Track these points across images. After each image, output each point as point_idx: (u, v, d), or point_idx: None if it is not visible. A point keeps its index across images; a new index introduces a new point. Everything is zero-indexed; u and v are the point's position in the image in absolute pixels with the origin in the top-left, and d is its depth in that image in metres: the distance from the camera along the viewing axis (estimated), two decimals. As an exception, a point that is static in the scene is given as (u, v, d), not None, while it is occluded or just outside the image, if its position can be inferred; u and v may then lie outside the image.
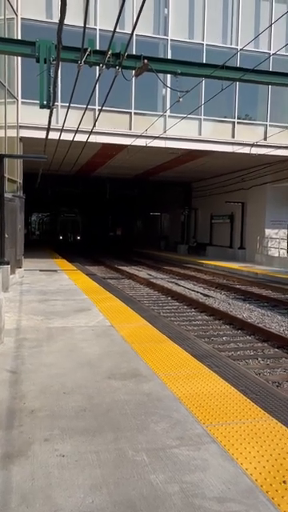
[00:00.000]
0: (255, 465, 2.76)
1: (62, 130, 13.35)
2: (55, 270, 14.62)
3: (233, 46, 17.21)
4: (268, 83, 11.35)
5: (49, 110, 9.79)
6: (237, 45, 17.16)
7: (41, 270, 14.39)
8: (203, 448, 2.95)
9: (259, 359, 7.05)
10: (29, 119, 14.88)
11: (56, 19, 14.17)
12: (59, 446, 2.95)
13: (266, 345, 7.85)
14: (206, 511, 2.31)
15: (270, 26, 15.56)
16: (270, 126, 18.46)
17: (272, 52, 16.52)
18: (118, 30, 7.45)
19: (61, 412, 3.48)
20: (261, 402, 4.26)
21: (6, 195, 10.31)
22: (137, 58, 9.03)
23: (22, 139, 15.13)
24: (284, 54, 17.23)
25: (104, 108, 12.41)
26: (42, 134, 13.96)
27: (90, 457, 2.82)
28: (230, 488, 2.51)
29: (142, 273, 19.67)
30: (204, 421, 3.36)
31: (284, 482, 2.59)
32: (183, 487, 2.50)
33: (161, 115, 16.15)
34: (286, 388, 5.79)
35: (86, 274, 14.09)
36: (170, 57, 15.89)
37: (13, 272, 11.10)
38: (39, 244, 37.01)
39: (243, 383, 4.92)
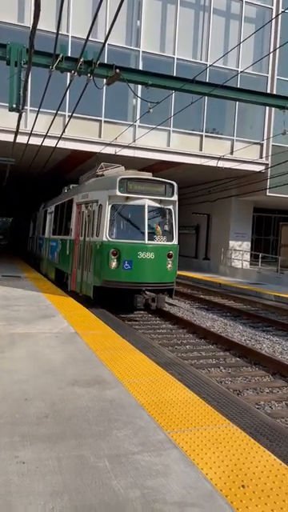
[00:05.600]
0: (215, 470, 2.81)
1: (30, 135, 13.21)
2: (19, 276, 14.35)
3: (202, 62, 17.65)
4: (235, 99, 11.70)
5: (18, 114, 9.68)
6: (206, 60, 17.61)
7: (3, 276, 14.08)
8: (165, 454, 2.98)
9: (221, 368, 7.17)
10: (-4, 122, 14.64)
11: (28, 23, 14.12)
12: (19, 452, 2.90)
13: (227, 354, 8.00)
14: (166, 516, 2.33)
15: (239, 45, 16.08)
16: (236, 140, 18.99)
17: (240, 70, 17.08)
18: (90, 38, 7.50)
19: (22, 419, 3.42)
20: (222, 409, 4.35)
21: None
22: (109, 66, 9.11)
23: (-12, 141, 14.84)
24: (251, 72, 17.83)
25: (74, 114, 12.40)
26: (9, 138, 13.76)
27: (52, 463, 2.79)
28: (190, 493, 2.55)
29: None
30: (166, 427, 3.39)
31: (243, 486, 2.66)
32: (144, 492, 2.52)
33: (131, 125, 16.30)
34: (246, 396, 5.92)
35: (51, 281, 13.91)
36: (141, 68, 16.09)
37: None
38: (3, 249, 36.21)
39: (205, 391, 5.01)
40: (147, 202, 9.97)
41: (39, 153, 15.18)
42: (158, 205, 10.17)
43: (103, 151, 16.05)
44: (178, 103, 16.14)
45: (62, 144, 14.90)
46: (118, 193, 9.72)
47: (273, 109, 17.85)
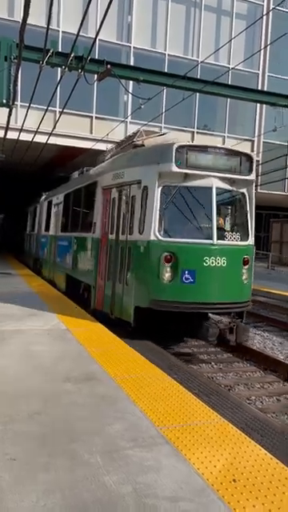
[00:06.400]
0: (207, 464, 2.83)
1: (21, 130, 13.11)
2: (9, 273, 14.26)
3: (194, 58, 17.63)
4: (227, 96, 11.72)
5: (8, 109, 9.61)
6: (198, 57, 17.60)
7: (-6, 272, 13.99)
8: (156, 449, 2.99)
9: (212, 363, 7.21)
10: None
11: (18, 18, 13.99)
12: (10, 449, 2.89)
13: (218, 349, 8.04)
14: (158, 511, 2.34)
15: (230, 41, 16.09)
16: (227, 137, 19.03)
17: (231, 66, 17.09)
18: (81, 33, 7.45)
19: (14, 416, 3.41)
20: (213, 405, 4.37)
21: None
22: (100, 62, 9.07)
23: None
24: (242, 69, 17.85)
25: (65, 110, 12.32)
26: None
27: (44, 460, 2.78)
28: (182, 488, 2.56)
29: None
30: (158, 423, 3.40)
31: (234, 480, 2.68)
32: (136, 488, 2.52)
33: (122, 121, 16.24)
34: (237, 392, 5.96)
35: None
36: (132, 64, 16.03)
37: None
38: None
39: (197, 386, 5.03)
40: (215, 182, 6.88)
41: (30, 148, 15.10)
42: (229, 186, 7.13)
43: (95, 147, 15.99)
44: (169, 99, 16.12)
45: (54, 140, 14.82)
46: (175, 168, 6.64)
47: (264, 105, 17.92)
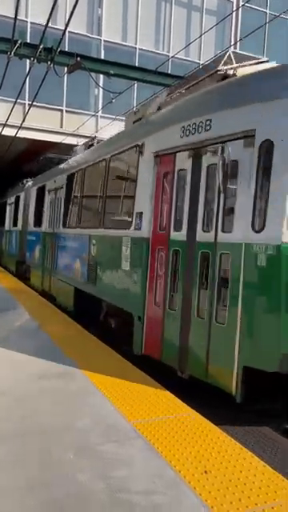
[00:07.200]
0: (179, 457, 2.86)
1: (-12, 123, 12.80)
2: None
3: (164, 53, 17.62)
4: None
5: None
6: (168, 52, 17.60)
7: None
8: (129, 444, 3.00)
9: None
10: None
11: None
12: (-19, 449, 2.84)
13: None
14: (131, 505, 2.35)
15: (200, 37, 16.16)
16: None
17: (201, 62, 17.18)
18: (50, 24, 7.31)
19: (-17, 415, 3.35)
20: (186, 398, 4.41)
21: None
22: (70, 55, 8.96)
23: None
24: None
25: (34, 103, 12.09)
26: None
27: (16, 458, 2.74)
28: (154, 481, 2.58)
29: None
30: (131, 418, 3.41)
31: (205, 472, 2.72)
32: (109, 483, 2.53)
33: (93, 115, 16.08)
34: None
35: (13, 275, 13.62)
36: (103, 57, 15.88)
37: None
38: None
39: (169, 381, 5.06)
40: None
41: (-2, 142, 14.77)
42: None
43: (65, 141, 15.79)
44: (140, 93, 16.07)
45: (22, 133, 14.51)
46: None
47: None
